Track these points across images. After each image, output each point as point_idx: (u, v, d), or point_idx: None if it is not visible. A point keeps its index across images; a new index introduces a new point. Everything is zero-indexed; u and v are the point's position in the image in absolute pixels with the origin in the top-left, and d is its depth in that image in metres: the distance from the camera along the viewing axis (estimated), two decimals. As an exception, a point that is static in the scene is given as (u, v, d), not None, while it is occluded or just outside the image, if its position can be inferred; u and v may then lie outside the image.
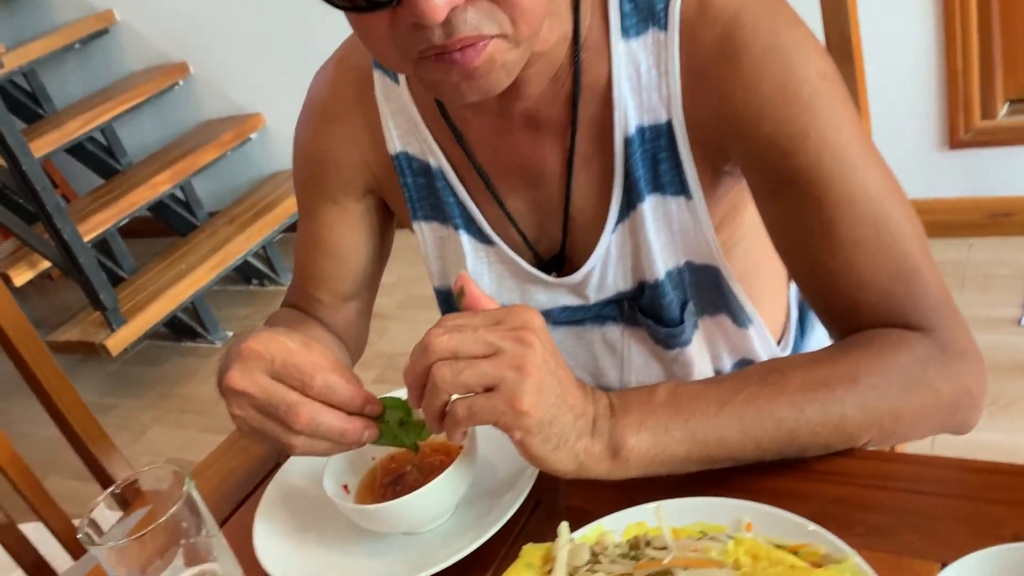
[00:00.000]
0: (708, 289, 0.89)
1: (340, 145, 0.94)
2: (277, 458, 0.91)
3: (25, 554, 1.40)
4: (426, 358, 0.64)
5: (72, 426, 1.50)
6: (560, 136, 0.84)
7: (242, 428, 0.74)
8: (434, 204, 0.93)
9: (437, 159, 0.90)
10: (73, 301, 3.26)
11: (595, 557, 0.62)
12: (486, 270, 0.94)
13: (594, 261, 0.88)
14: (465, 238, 0.93)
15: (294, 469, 0.86)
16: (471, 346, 0.63)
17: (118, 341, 2.76)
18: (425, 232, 0.96)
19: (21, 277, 2.81)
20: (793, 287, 1.00)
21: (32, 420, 1.94)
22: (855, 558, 0.58)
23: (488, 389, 0.63)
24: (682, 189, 0.83)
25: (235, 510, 0.87)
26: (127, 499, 0.72)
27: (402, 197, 0.94)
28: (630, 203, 0.84)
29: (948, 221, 2.39)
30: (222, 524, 0.86)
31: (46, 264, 2.88)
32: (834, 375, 0.69)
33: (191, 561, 0.66)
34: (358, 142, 0.94)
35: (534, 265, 0.92)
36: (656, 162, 0.82)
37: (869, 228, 0.73)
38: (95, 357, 3.03)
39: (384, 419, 0.73)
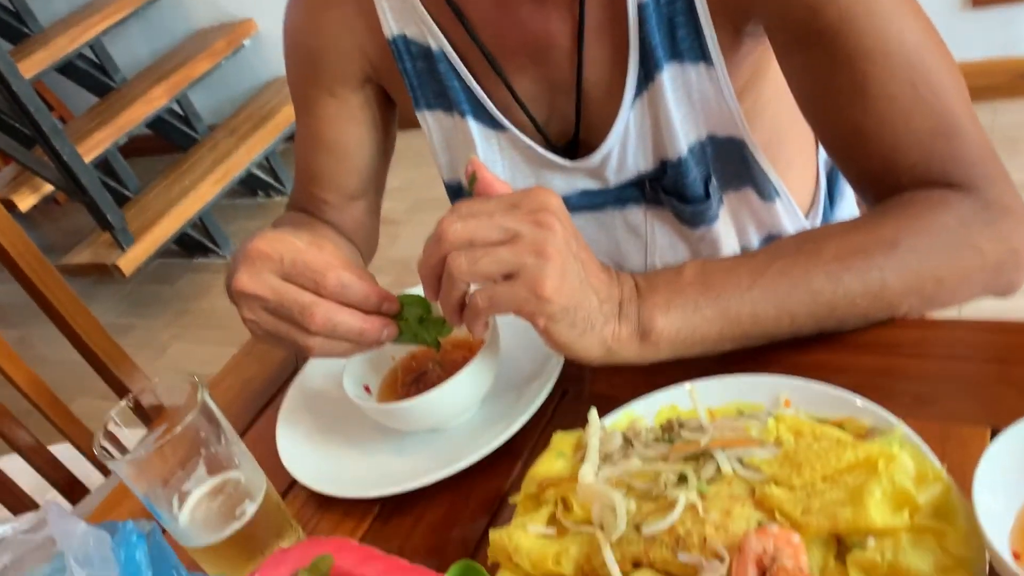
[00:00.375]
0: (732, 162, 0.84)
1: (332, 31, 0.88)
2: (295, 364, 0.89)
3: (56, 473, 1.41)
4: (440, 248, 0.61)
5: (91, 347, 1.49)
6: (568, 5, 0.78)
7: (256, 333, 0.71)
8: (437, 90, 0.88)
9: (438, 40, 0.85)
10: (82, 224, 3.23)
11: (628, 442, 0.59)
12: (498, 158, 0.89)
13: (612, 141, 0.83)
14: (473, 125, 0.88)
15: (314, 372, 0.84)
16: (487, 232, 0.60)
17: (130, 261, 2.74)
18: (430, 122, 0.91)
19: (25, 202, 2.78)
20: (822, 154, 0.95)
21: (54, 344, 1.94)
22: (902, 428, 0.55)
23: (508, 277, 0.60)
24: (702, 55, 0.77)
25: (256, 418, 0.86)
26: (149, 416, 0.71)
27: (403, 85, 0.89)
28: (647, 74, 0.79)
29: (972, 85, 2.27)
30: (244, 433, 0.84)
31: (49, 188, 2.85)
32: (872, 241, 0.65)
33: (213, 470, 0.64)
34: (351, 27, 0.88)
35: (547, 150, 0.87)
36: (673, 27, 0.76)
37: (905, 82, 0.67)
38: (109, 279, 3.03)
39: (403, 317, 0.70)
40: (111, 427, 0.63)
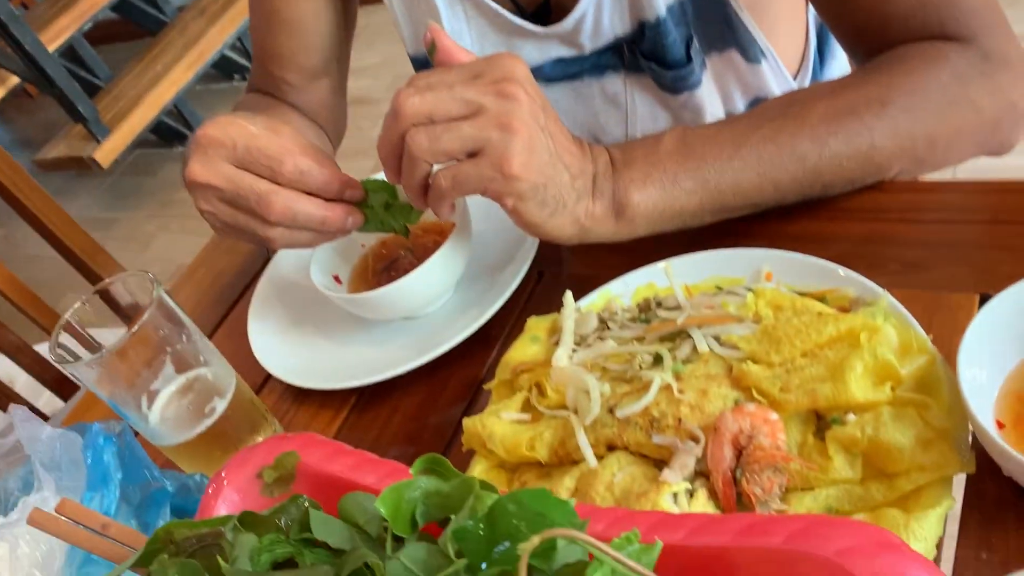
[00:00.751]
0: (715, 22, 0.79)
1: None
2: (266, 255, 0.86)
3: (46, 373, 1.41)
4: (398, 125, 0.57)
5: (66, 244, 1.46)
6: None
7: (215, 225, 0.68)
8: (396, -46, 0.81)
9: None
10: (56, 117, 3.13)
11: (603, 324, 0.57)
12: (464, 27, 0.84)
13: (586, 2, 0.77)
14: (436, -10, 0.81)
15: (284, 263, 0.82)
16: (448, 106, 0.56)
17: (106, 153, 2.67)
18: (391, -10, 0.84)
19: (-9, 96, 2.69)
20: (811, 10, 0.89)
21: (37, 242, 1.92)
22: (887, 299, 0.53)
23: (472, 154, 0.57)
24: (679, -99, 0.70)
25: (229, 311, 0.84)
26: (129, 316, 0.68)
27: (359, -51, 0.82)
28: (620, -75, 0.72)
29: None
30: (217, 327, 0.82)
31: (16, 80, 2.74)
32: (861, 100, 0.61)
33: (181, 368, 0.62)
34: None
35: (517, 16, 0.81)
36: None
37: None
38: (89, 172, 2.96)
39: (368, 203, 0.67)
40: (68, 330, 0.61)
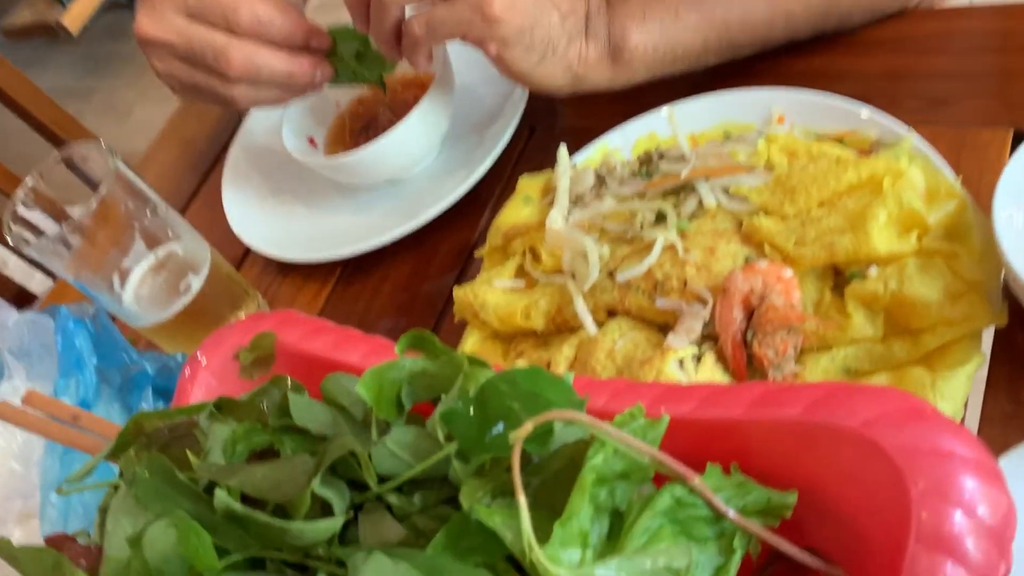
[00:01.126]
0: None
1: None
2: (238, 116, 0.80)
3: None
4: (363, -36, 0.50)
5: (36, 116, 1.39)
6: None
7: (174, 87, 0.63)
8: None
9: None
10: (19, -19, 2.96)
11: (601, 180, 0.53)
12: None
13: None
14: None
15: (257, 126, 0.76)
16: (416, -61, 0.49)
17: (75, 17, 2.53)
18: None
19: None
20: None
21: (11, 117, 1.83)
22: (912, 138, 0.48)
23: (447, -5, 0.50)
24: None
25: (203, 182, 0.79)
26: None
27: None
28: None
29: None
30: (191, 199, 0.78)
31: (-31, -60, 2.57)
32: (886, -87, 0.54)
33: (152, 244, 0.58)
34: None
35: None
36: None
37: None
38: (60, 40, 2.82)
39: (337, 53, 0.60)
40: (20, 210, 0.56)
